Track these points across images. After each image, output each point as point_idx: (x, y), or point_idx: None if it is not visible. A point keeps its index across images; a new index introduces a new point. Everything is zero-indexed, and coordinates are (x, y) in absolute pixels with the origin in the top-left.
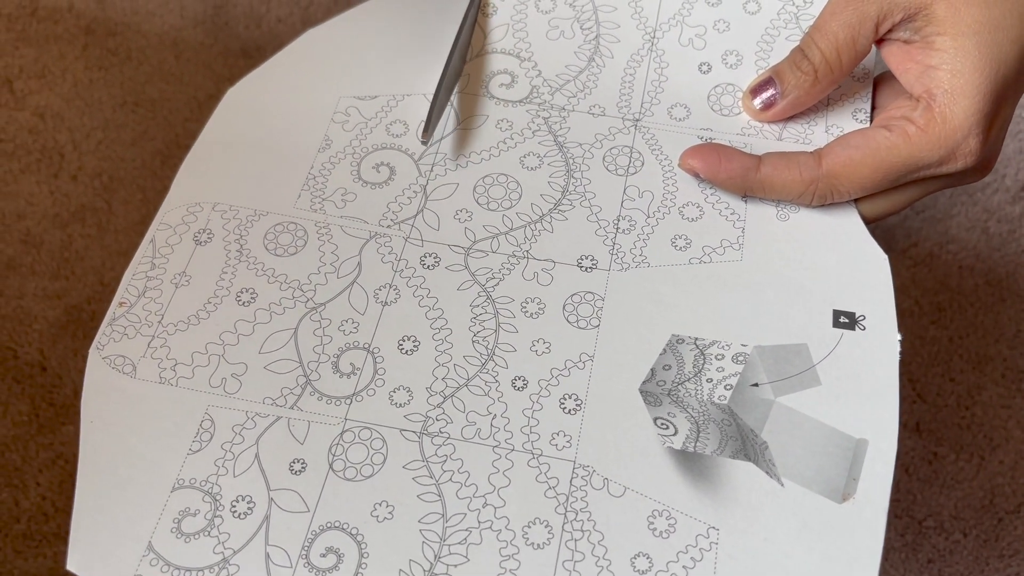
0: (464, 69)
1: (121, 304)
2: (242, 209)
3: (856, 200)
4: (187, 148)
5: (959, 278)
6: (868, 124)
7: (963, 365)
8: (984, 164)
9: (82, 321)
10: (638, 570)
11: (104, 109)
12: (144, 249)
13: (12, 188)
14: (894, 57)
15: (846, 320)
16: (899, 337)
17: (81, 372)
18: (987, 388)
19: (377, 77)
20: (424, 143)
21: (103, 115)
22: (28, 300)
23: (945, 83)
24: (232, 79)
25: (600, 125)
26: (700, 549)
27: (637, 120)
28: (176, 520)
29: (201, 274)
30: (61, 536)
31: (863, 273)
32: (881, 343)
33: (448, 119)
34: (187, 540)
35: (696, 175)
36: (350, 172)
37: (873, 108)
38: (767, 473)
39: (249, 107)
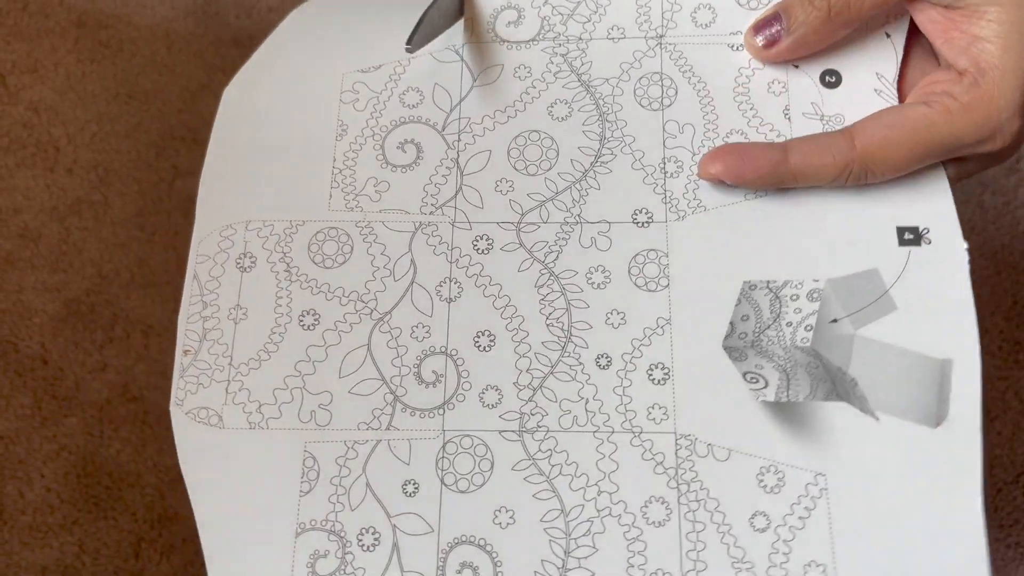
0: (465, 11)
1: (186, 352)
2: (277, 223)
3: None
4: (181, 139)
5: None
6: (892, 89)
7: None
8: (1015, 146)
9: (81, 313)
10: (758, 529)
11: (97, 102)
12: (190, 287)
13: (8, 183)
14: (933, 24)
15: (911, 236)
16: (966, 246)
17: (82, 364)
18: (984, 360)
19: (376, 45)
20: (409, 51)
21: (96, 108)
22: (27, 294)
23: (996, 58)
24: (224, 69)
25: (623, 51)
26: (812, 498)
27: (661, 37)
28: (309, 565)
29: (256, 304)
30: (66, 527)
31: (920, 186)
32: (949, 256)
33: (463, 76)
34: None
35: (721, 182)
36: (376, 158)
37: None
38: (861, 410)
39: (251, 105)
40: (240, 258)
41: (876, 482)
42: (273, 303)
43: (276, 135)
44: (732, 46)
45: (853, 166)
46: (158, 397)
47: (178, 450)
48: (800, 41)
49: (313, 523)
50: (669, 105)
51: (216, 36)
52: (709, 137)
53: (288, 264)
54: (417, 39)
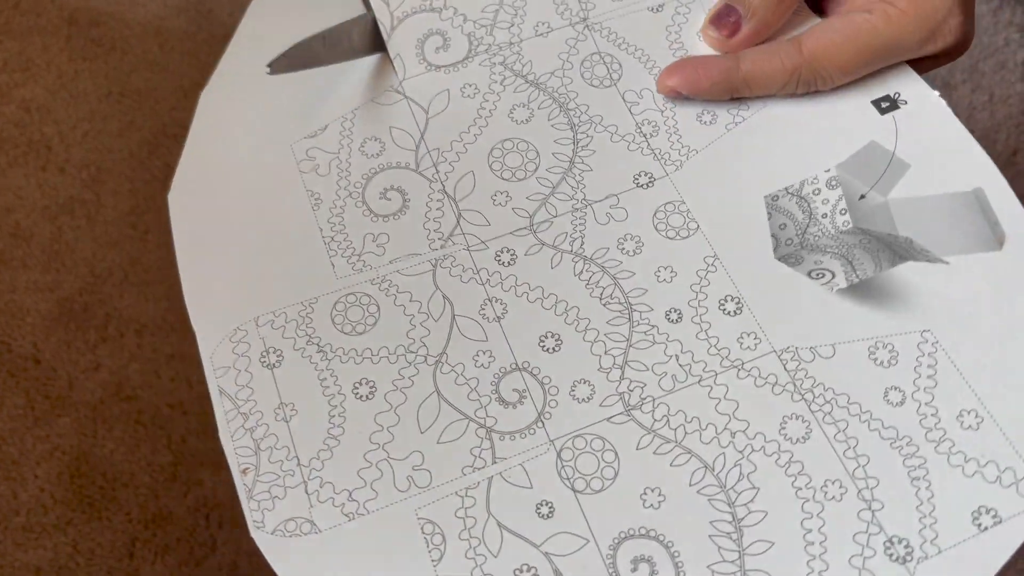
0: (392, 48)
1: (245, 471)
2: (288, 309)
3: None
4: (174, 137)
5: None
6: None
7: None
8: (963, 42)
9: (74, 313)
10: (896, 404)
11: (90, 100)
12: (221, 404)
13: (0, 182)
14: None
15: (887, 104)
16: (937, 94)
17: (75, 363)
18: None
19: (314, 107)
20: (269, 72)
21: (89, 106)
22: (20, 293)
23: None
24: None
25: (556, 43)
26: (929, 355)
27: (585, 19)
28: None
29: (301, 395)
30: (60, 527)
31: (877, 71)
32: (928, 107)
33: (414, 112)
34: None
35: (679, 94)
36: (362, 214)
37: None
38: (929, 261)
39: (206, 208)
40: (263, 356)
41: (980, 317)
42: (319, 388)
43: (248, 228)
44: (652, 8)
45: (802, 70)
46: (151, 396)
47: (280, 574)
48: (761, 24)
49: None
50: (619, 79)
51: (209, 34)
52: (668, 99)
53: (319, 344)
54: (278, 62)
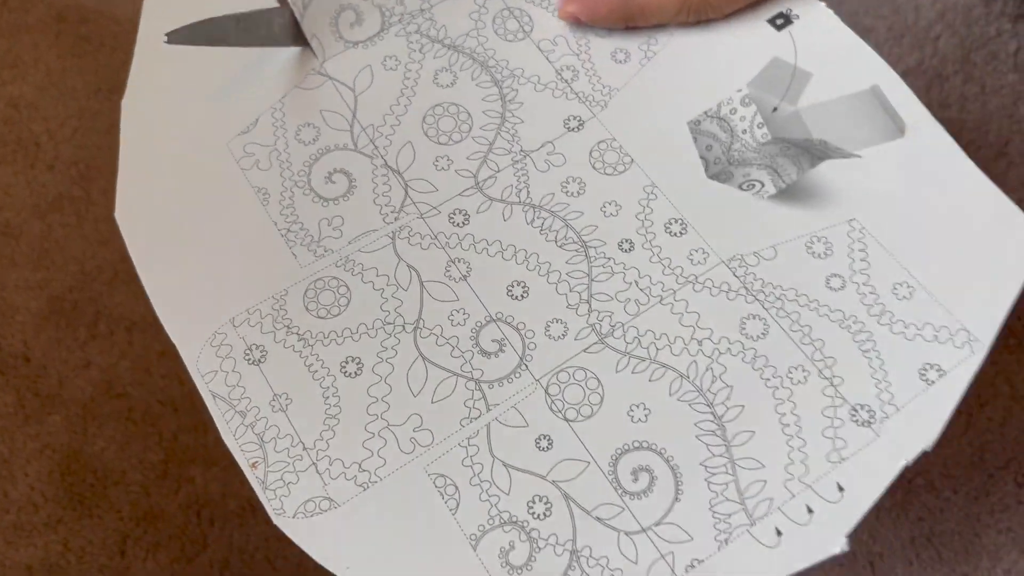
0: (307, 29)
1: (254, 465)
2: (261, 305)
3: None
4: None
5: None
6: None
7: None
8: None
9: (64, 311)
10: (836, 288)
11: (79, 97)
12: (216, 407)
13: None
14: None
15: (782, 21)
16: (824, 3)
17: (65, 361)
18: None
19: (236, 99)
20: (167, 40)
21: (78, 103)
22: (9, 291)
23: None
24: None
25: (466, 4)
26: (858, 240)
27: None
28: (504, 564)
29: (292, 384)
30: (51, 525)
31: None
32: (818, 18)
33: (341, 93)
34: (529, 567)
35: (578, 21)
36: (312, 201)
37: None
38: (843, 157)
39: (153, 221)
40: (247, 353)
41: (896, 198)
42: (308, 374)
43: (202, 233)
44: None
45: (691, 1)
46: (142, 394)
47: (313, 556)
48: None
49: (481, 528)
50: (531, 30)
51: None
52: (584, 37)
53: (299, 333)
54: (179, 33)
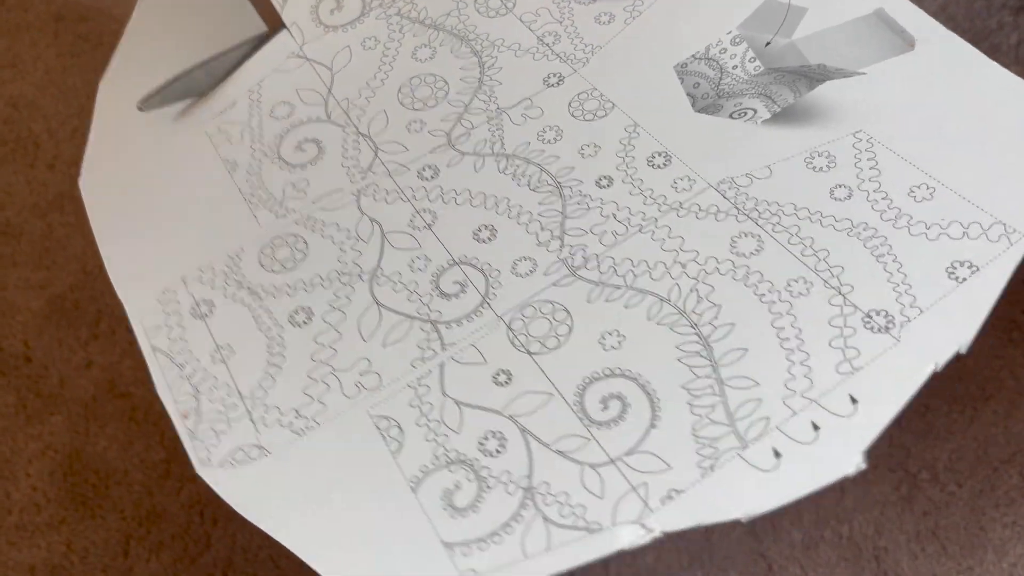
0: (287, 18)
1: (185, 415)
2: (215, 263)
3: None
4: None
5: None
6: None
7: None
8: None
9: (65, 310)
10: (840, 199)
11: (78, 96)
12: (155, 360)
13: None
14: None
15: None
16: None
17: (66, 362)
18: (978, 338)
19: (223, 86)
20: (140, 108)
21: (77, 102)
22: (10, 291)
23: None
24: None
25: None
26: (866, 151)
27: None
28: (446, 507)
29: (237, 336)
30: (53, 526)
31: None
32: None
33: (319, 72)
34: (475, 509)
35: None
36: (279, 168)
37: None
38: (846, 76)
39: (120, 185)
40: (194, 309)
41: (906, 107)
42: (254, 325)
43: (165, 200)
44: None
45: None
46: (144, 393)
47: (235, 506)
48: None
49: (424, 469)
50: (514, 6)
51: None
52: (564, 11)
53: (250, 288)
54: (151, 100)
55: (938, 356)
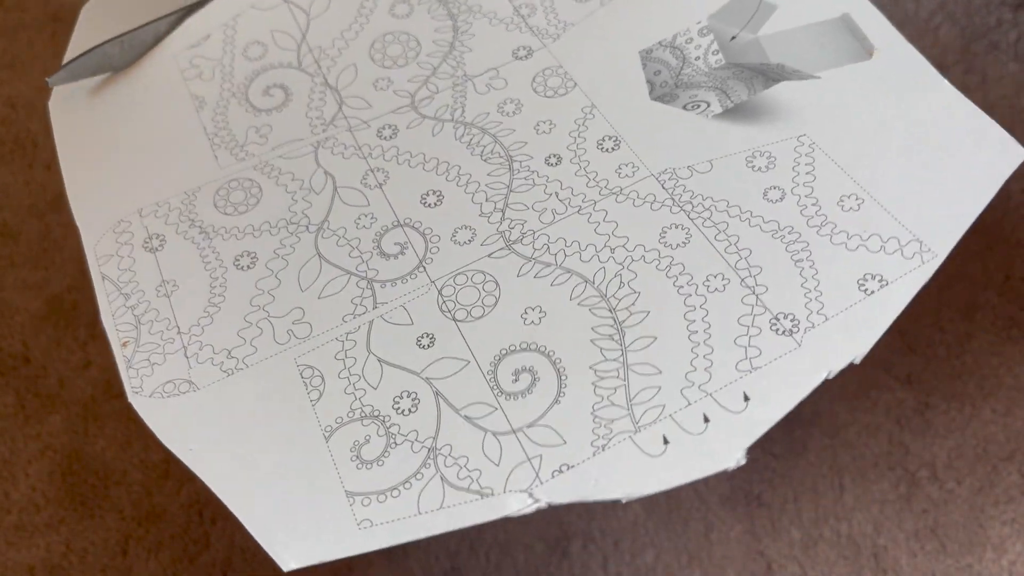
0: None
1: (125, 344)
2: (172, 199)
3: None
4: None
5: None
6: None
7: (952, 314)
8: None
9: (64, 311)
10: (774, 200)
11: None
12: (103, 287)
13: None
14: None
15: None
16: None
17: (65, 362)
18: (977, 336)
19: (195, 18)
20: (49, 84)
21: None
22: (8, 292)
23: None
24: None
25: None
26: (806, 155)
27: None
28: (355, 459)
29: (183, 272)
30: (52, 526)
31: None
32: None
33: (295, 16)
34: (380, 462)
35: None
36: (245, 111)
37: None
38: (800, 79)
39: (89, 110)
40: (146, 242)
41: (853, 116)
42: (201, 264)
43: (130, 130)
44: None
45: None
46: None
47: (158, 434)
48: None
49: (339, 420)
50: None
51: None
52: None
53: (201, 227)
54: (59, 76)
55: (833, 364)
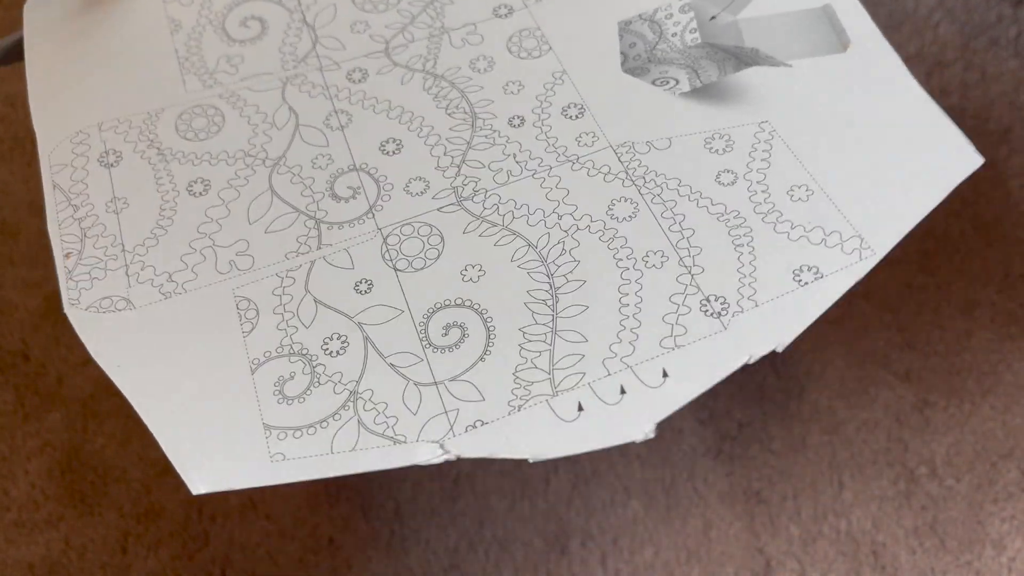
0: None
1: (68, 255)
2: (134, 117)
3: None
4: None
5: (945, 224)
6: None
7: (952, 311)
8: None
9: (62, 308)
10: (726, 183)
11: None
12: (52, 196)
13: None
14: None
15: None
16: None
17: (64, 359)
18: (976, 333)
19: None
20: None
21: None
22: (7, 290)
23: None
24: None
25: None
26: (765, 141)
27: None
28: (277, 393)
29: (135, 191)
30: (52, 523)
31: None
32: None
33: None
34: (302, 400)
35: None
36: (220, 40)
37: None
38: (772, 65)
39: (61, 20)
40: (102, 156)
41: (817, 108)
42: (154, 185)
43: (102, 46)
44: None
45: None
46: None
47: (88, 347)
48: None
49: (267, 355)
50: None
51: None
52: None
53: (159, 148)
54: None
55: (755, 350)
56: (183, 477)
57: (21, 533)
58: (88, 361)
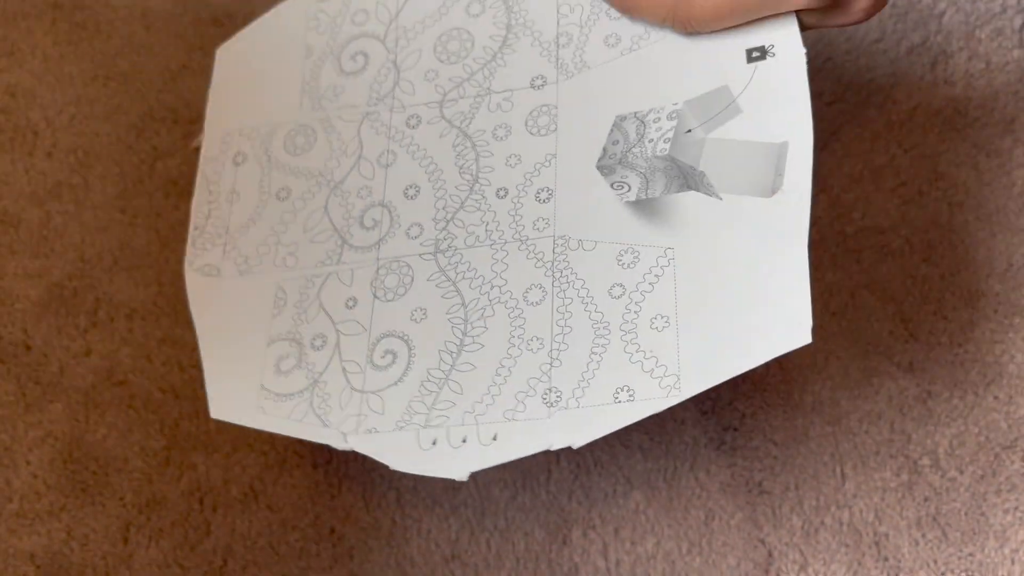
0: None
1: (196, 228)
2: (260, 127)
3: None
4: (162, 120)
5: (949, 215)
6: None
7: (955, 302)
8: (869, 9)
9: (64, 299)
10: (614, 296)
11: (75, 84)
12: (200, 182)
13: None
14: None
15: (757, 54)
16: (804, 51)
17: (66, 349)
18: (979, 324)
19: None
20: None
21: (75, 90)
22: (9, 280)
23: None
24: (204, 48)
25: None
26: (660, 267)
27: None
28: (275, 364)
29: (246, 188)
30: (54, 513)
31: (768, 19)
32: (791, 62)
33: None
34: (287, 375)
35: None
36: (334, 69)
37: None
38: (706, 193)
39: (238, 39)
40: (236, 156)
41: (716, 249)
42: (258, 185)
43: (252, 61)
44: None
45: (678, 10)
46: (143, 381)
47: (189, 298)
48: None
49: (279, 335)
50: None
51: (195, 15)
52: (595, 12)
53: (270, 156)
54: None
55: (556, 443)
56: (209, 400)
57: (23, 523)
58: (89, 351)
